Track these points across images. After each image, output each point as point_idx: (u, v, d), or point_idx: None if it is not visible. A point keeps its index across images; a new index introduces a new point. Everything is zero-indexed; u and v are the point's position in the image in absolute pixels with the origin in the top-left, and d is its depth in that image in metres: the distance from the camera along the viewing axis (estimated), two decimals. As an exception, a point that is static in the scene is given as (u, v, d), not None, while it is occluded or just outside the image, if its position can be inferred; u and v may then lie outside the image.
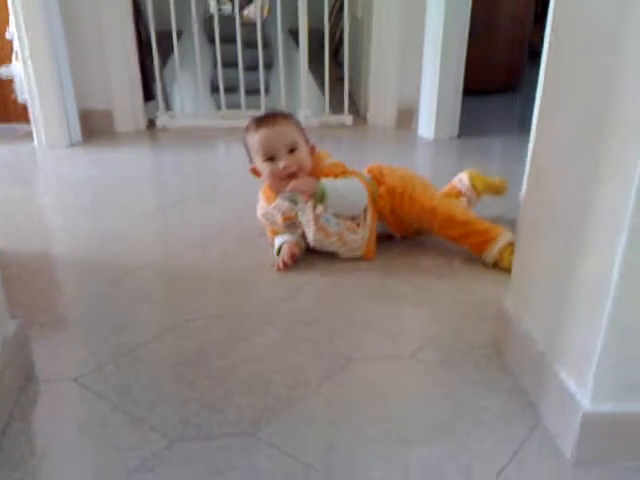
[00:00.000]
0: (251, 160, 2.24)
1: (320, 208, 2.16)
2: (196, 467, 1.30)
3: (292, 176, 2.13)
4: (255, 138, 2.17)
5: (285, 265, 2.19)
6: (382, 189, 2.31)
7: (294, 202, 2.15)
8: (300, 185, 2.11)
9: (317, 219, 2.17)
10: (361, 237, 2.23)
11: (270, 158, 2.16)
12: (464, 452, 1.35)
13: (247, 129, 2.21)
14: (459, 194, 2.57)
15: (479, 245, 2.22)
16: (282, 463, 1.32)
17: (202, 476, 1.28)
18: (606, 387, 1.25)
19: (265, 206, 2.27)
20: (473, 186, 2.58)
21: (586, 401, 1.27)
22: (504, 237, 2.18)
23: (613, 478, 1.29)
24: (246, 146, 2.23)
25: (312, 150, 2.24)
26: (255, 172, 2.25)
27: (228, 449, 1.35)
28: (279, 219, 2.23)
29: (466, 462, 1.32)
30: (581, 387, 1.29)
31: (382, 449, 1.36)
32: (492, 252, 2.19)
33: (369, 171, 2.39)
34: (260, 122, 2.19)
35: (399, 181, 2.33)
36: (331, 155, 2.34)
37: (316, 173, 2.19)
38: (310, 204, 2.16)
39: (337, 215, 2.18)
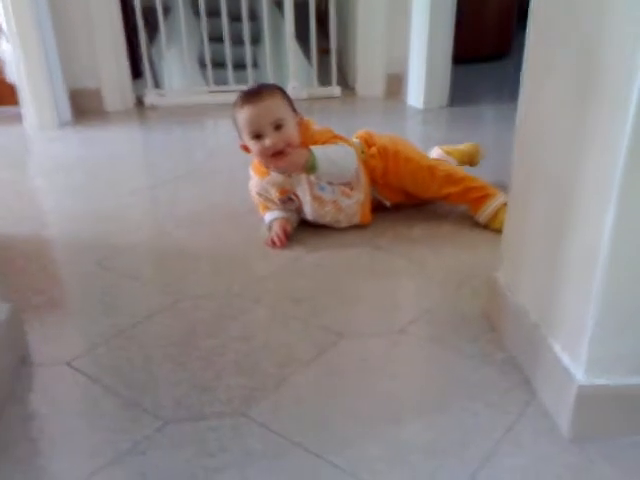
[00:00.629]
0: (240, 137, 2.20)
1: (314, 176, 2.15)
2: (187, 450, 1.30)
3: (280, 153, 2.10)
4: (241, 115, 2.12)
5: (280, 241, 2.17)
6: (373, 149, 2.30)
7: (289, 174, 2.15)
8: (290, 162, 2.10)
9: (312, 187, 2.17)
10: (356, 201, 2.22)
11: (257, 136, 2.10)
12: (457, 427, 1.34)
13: (234, 105, 2.16)
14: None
15: (478, 201, 2.25)
16: (273, 443, 1.31)
17: (193, 458, 1.27)
18: (600, 360, 1.24)
19: (258, 181, 2.26)
20: (448, 153, 2.60)
21: (580, 374, 1.26)
22: (501, 196, 2.20)
23: (609, 453, 1.28)
24: (234, 123, 2.19)
25: (300, 121, 2.19)
26: (245, 149, 2.20)
27: (219, 430, 1.34)
28: (275, 194, 2.23)
29: (460, 437, 1.32)
30: (575, 360, 1.28)
31: (375, 426, 1.36)
32: (488, 209, 2.21)
33: (357, 137, 2.38)
34: (245, 98, 2.14)
35: (390, 142, 2.34)
36: (316, 124, 2.30)
37: (305, 141, 2.15)
38: (303, 175, 2.15)
39: (330, 182, 2.17)
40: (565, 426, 1.30)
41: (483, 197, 2.23)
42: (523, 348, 1.51)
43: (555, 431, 1.32)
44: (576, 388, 1.25)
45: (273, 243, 2.17)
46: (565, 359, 1.31)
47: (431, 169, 2.27)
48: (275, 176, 2.19)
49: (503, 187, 2.23)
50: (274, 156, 2.10)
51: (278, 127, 2.09)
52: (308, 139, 2.17)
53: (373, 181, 2.31)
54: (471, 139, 2.78)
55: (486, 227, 2.22)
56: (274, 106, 2.11)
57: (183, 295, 1.88)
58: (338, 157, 2.14)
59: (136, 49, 4.29)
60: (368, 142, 2.34)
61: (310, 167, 2.10)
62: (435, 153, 2.64)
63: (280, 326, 1.73)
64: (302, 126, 2.19)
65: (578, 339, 1.26)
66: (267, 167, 2.18)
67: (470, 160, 2.69)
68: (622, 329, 1.22)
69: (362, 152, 2.28)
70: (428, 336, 1.67)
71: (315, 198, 2.19)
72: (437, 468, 1.24)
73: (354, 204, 2.22)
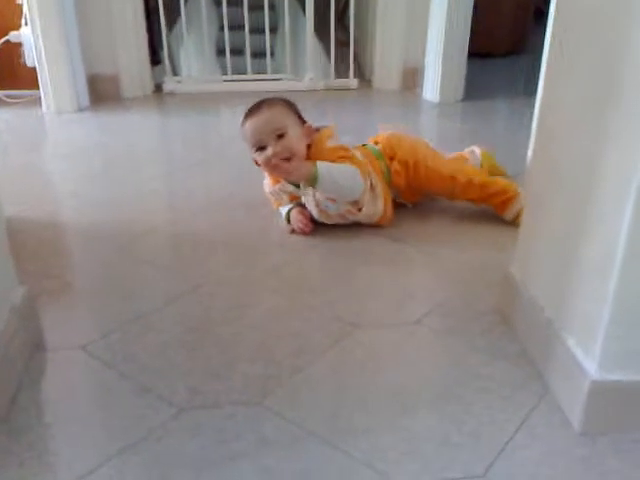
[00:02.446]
0: (250, 152, 2.21)
1: (319, 194, 2.14)
2: (203, 437, 1.30)
3: (285, 162, 2.09)
4: (244, 131, 2.15)
5: (306, 226, 2.19)
6: (395, 165, 2.28)
7: (297, 186, 2.16)
8: (290, 170, 2.09)
9: (318, 204, 2.16)
10: (366, 217, 2.19)
11: (261, 147, 2.12)
12: (471, 420, 1.35)
13: (241, 123, 2.18)
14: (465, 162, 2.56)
15: (501, 205, 2.25)
16: (288, 431, 1.32)
17: (209, 446, 1.28)
18: (614, 355, 1.25)
19: (270, 184, 2.27)
20: (481, 165, 2.58)
21: (594, 369, 1.26)
22: (523, 195, 2.18)
23: (621, 448, 1.28)
24: (243, 140, 2.21)
25: (309, 131, 2.18)
26: (257, 163, 2.22)
27: (234, 418, 1.35)
28: (285, 199, 2.25)
29: (472, 429, 1.32)
30: (589, 355, 1.28)
31: (388, 416, 1.36)
32: (513, 210, 2.21)
33: (377, 142, 2.36)
34: (247, 113, 2.16)
35: (410, 153, 2.30)
36: (337, 137, 2.25)
37: (316, 154, 2.15)
38: (310, 189, 2.14)
39: (335, 200, 2.15)
40: (577, 420, 1.30)
41: (506, 201, 2.23)
42: (536, 342, 1.51)
43: (567, 425, 1.33)
44: (589, 383, 1.26)
45: (302, 230, 2.19)
46: (579, 354, 1.31)
47: (452, 179, 2.27)
48: (286, 185, 2.19)
49: (515, 180, 2.31)
50: (277, 166, 2.10)
51: (280, 136, 2.09)
52: (318, 153, 2.15)
53: (397, 193, 2.31)
54: (485, 133, 2.80)
55: (512, 224, 2.19)
56: (273, 116, 2.13)
57: (200, 282, 1.89)
58: (342, 177, 2.11)
59: (155, 36, 4.30)
60: (388, 154, 2.31)
61: (311, 180, 2.09)
62: (473, 156, 2.60)
63: (295, 315, 1.74)
64: (318, 136, 2.19)
65: (592, 335, 1.26)
66: (271, 175, 2.21)
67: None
68: (637, 325, 1.22)
69: (386, 167, 2.27)
70: (442, 328, 1.68)
71: (321, 211, 2.18)
72: (451, 459, 1.25)
73: (362, 218, 2.20)
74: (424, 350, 1.63)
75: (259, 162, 2.16)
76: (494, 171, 2.61)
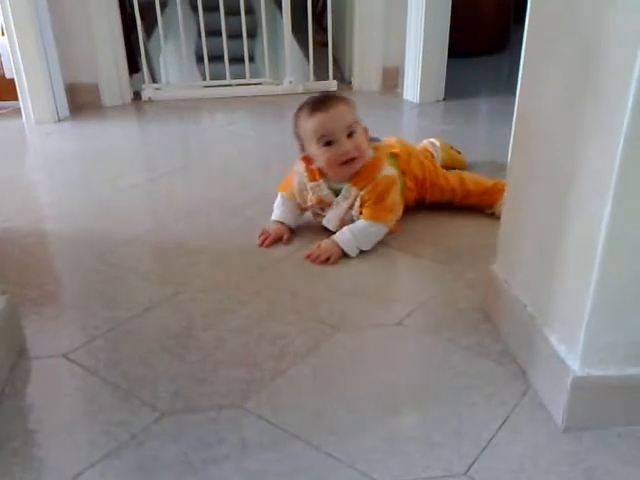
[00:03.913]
0: (302, 147, 2.13)
1: (348, 205, 2.11)
2: (185, 441, 1.30)
3: (352, 161, 2.05)
4: (310, 124, 2.05)
5: (262, 242, 2.14)
6: (408, 181, 2.25)
7: (335, 193, 2.13)
8: (329, 257, 2.04)
9: (343, 218, 2.12)
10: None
11: (328, 143, 2.05)
12: (454, 418, 1.35)
13: (299, 114, 2.10)
14: (432, 158, 2.53)
15: (493, 199, 2.26)
16: (270, 434, 1.32)
17: (191, 450, 1.28)
18: (596, 350, 1.25)
19: (303, 176, 2.17)
20: (442, 158, 2.59)
21: (576, 365, 1.27)
22: None
23: (604, 443, 1.29)
24: (297, 132, 2.12)
25: (366, 132, 2.12)
26: (307, 160, 2.13)
27: (216, 422, 1.36)
28: (311, 198, 2.17)
29: (456, 428, 1.33)
30: (571, 351, 1.29)
31: (371, 417, 1.37)
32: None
33: (394, 154, 2.28)
34: (314, 107, 2.06)
35: (419, 169, 2.29)
36: (388, 154, 2.21)
37: (370, 177, 2.09)
38: (346, 203, 2.11)
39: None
40: (561, 416, 1.31)
41: (497, 193, 2.21)
42: (519, 339, 1.51)
43: (551, 421, 1.33)
44: (572, 379, 1.26)
45: (261, 240, 2.15)
46: (561, 350, 1.32)
47: (452, 191, 2.30)
48: (323, 187, 2.13)
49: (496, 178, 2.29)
50: (345, 164, 2.05)
51: (350, 134, 2.04)
52: (371, 178, 2.09)
53: (405, 206, 2.27)
54: (466, 132, 2.79)
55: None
56: (346, 112, 2.07)
57: (181, 288, 1.89)
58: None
59: (133, 44, 4.28)
60: (403, 168, 2.25)
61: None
62: (434, 148, 2.59)
63: (277, 318, 1.74)
64: (377, 151, 2.14)
65: (574, 330, 1.26)
66: (333, 175, 2.12)
67: (460, 166, 2.67)
68: (617, 320, 1.23)
69: (401, 178, 2.21)
70: (425, 328, 1.68)
71: (342, 223, 2.13)
72: (433, 458, 1.25)
73: None
74: (407, 350, 1.63)
75: (320, 158, 2.07)
76: (455, 162, 2.64)
